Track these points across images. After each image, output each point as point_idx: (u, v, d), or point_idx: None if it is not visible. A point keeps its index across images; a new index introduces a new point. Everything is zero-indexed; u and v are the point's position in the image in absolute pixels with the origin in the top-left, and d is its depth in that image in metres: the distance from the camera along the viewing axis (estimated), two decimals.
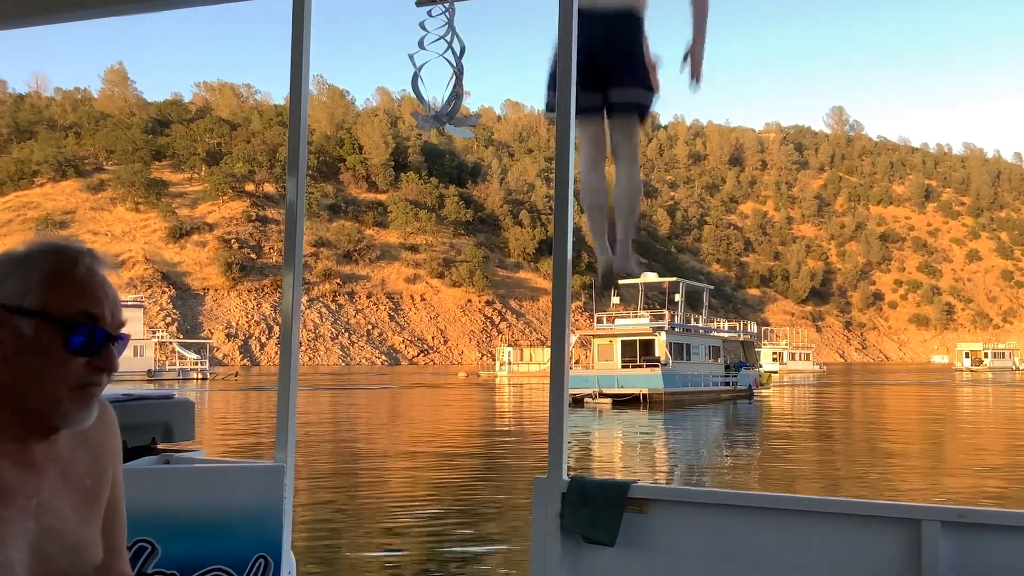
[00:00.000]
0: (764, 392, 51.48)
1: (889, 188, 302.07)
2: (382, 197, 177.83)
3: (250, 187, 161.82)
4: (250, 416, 34.22)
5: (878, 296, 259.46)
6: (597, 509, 2.96)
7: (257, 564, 2.99)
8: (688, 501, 2.98)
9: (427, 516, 11.58)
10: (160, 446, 3.71)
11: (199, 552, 2.89)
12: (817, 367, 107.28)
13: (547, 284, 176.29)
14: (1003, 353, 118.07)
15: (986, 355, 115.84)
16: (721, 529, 2.87)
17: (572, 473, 3.16)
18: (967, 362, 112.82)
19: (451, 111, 3.33)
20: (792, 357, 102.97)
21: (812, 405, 44.48)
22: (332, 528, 9.42)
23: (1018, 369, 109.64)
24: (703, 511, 2.92)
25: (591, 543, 2.99)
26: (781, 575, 2.77)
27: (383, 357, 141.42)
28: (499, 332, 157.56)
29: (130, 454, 3.28)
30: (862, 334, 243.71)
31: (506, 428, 29.27)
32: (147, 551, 2.89)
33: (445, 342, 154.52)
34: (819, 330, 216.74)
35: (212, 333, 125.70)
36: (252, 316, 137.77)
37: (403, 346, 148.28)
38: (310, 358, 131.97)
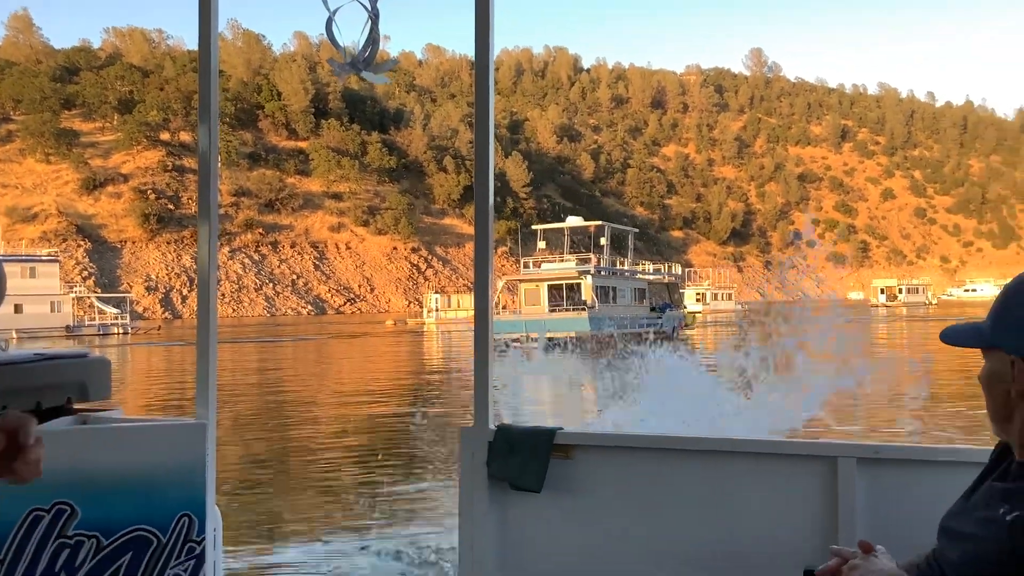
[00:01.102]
0: (689, 332, 52.38)
1: (807, 129, 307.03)
2: (303, 145, 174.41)
3: (165, 136, 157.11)
4: (173, 371, 33.63)
5: (796, 235, 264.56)
6: (524, 457, 2.97)
7: (181, 523, 2.95)
8: (612, 445, 3.01)
9: (356, 467, 11.49)
10: (76, 406, 3.61)
11: (120, 513, 2.84)
12: (739, 306, 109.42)
13: (472, 230, 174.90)
14: (916, 288, 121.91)
15: (900, 291, 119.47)
16: (645, 471, 2.91)
17: (501, 423, 3.17)
18: (882, 298, 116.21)
19: (367, 57, 3.22)
20: (715, 297, 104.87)
21: (733, 344, 45.38)
22: (258, 482, 9.26)
23: (930, 304, 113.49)
24: (627, 455, 2.97)
25: (518, 490, 3.00)
26: (704, 514, 2.82)
27: (309, 307, 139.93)
28: (426, 279, 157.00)
29: (45, 415, 3.19)
30: (781, 273, 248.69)
31: (435, 376, 29.28)
32: (66, 513, 2.83)
33: (372, 290, 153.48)
34: (740, 270, 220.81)
35: (131, 287, 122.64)
36: (172, 268, 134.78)
37: (329, 295, 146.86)
38: (234, 310, 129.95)
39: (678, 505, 2.90)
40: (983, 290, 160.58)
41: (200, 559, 3.06)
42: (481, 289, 3.21)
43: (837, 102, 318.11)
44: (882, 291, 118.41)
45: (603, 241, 46.06)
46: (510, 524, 3.08)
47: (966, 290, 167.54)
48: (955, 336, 1.87)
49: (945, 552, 1.78)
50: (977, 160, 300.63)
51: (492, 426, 3.14)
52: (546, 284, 42.87)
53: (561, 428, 3.07)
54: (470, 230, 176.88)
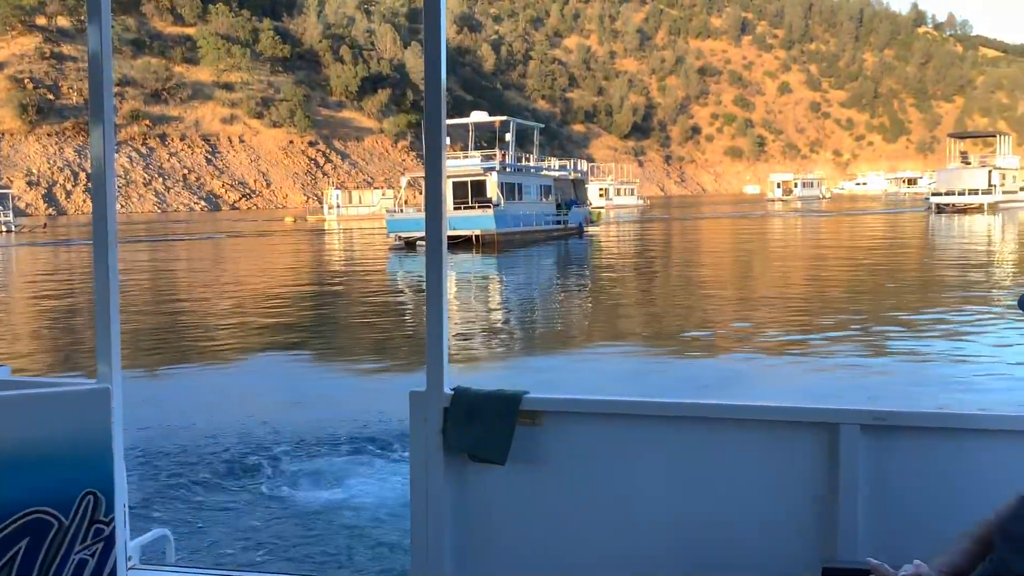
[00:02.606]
0: (594, 229, 52.66)
1: (707, 21, 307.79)
2: (190, 31, 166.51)
3: (42, 20, 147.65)
4: (60, 273, 32.10)
5: (696, 130, 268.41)
6: (485, 425, 2.70)
7: (85, 501, 2.56)
8: (585, 412, 2.73)
9: (269, 404, 10.74)
10: None
11: (14, 494, 2.54)
12: (641, 201, 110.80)
13: (372, 123, 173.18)
14: (811, 183, 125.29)
15: (796, 185, 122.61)
16: (622, 440, 2.68)
17: (457, 386, 2.82)
18: (778, 192, 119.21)
19: None
20: (617, 192, 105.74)
21: (638, 241, 45.90)
22: (164, 450, 8.38)
23: (824, 198, 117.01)
24: (602, 421, 2.71)
25: (479, 462, 2.73)
26: (686, 486, 2.62)
27: (202, 203, 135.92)
28: (324, 174, 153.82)
29: None
30: (681, 167, 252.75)
31: (345, 281, 28.60)
32: None
33: (268, 185, 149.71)
34: (641, 164, 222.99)
35: (11, 182, 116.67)
36: (54, 162, 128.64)
37: (223, 191, 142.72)
38: (122, 206, 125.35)
39: (658, 477, 2.66)
40: (873, 184, 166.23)
41: (109, 541, 2.65)
42: (434, 244, 2.80)
43: None
44: (778, 185, 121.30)
45: (508, 137, 45.42)
46: (469, 499, 2.81)
47: (857, 183, 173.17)
48: None
49: (1012, 563, 1.65)
50: (871, 54, 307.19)
51: (448, 390, 2.78)
52: (451, 181, 42.15)
53: (527, 392, 2.76)
54: (370, 123, 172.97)
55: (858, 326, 15.45)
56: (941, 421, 2.45)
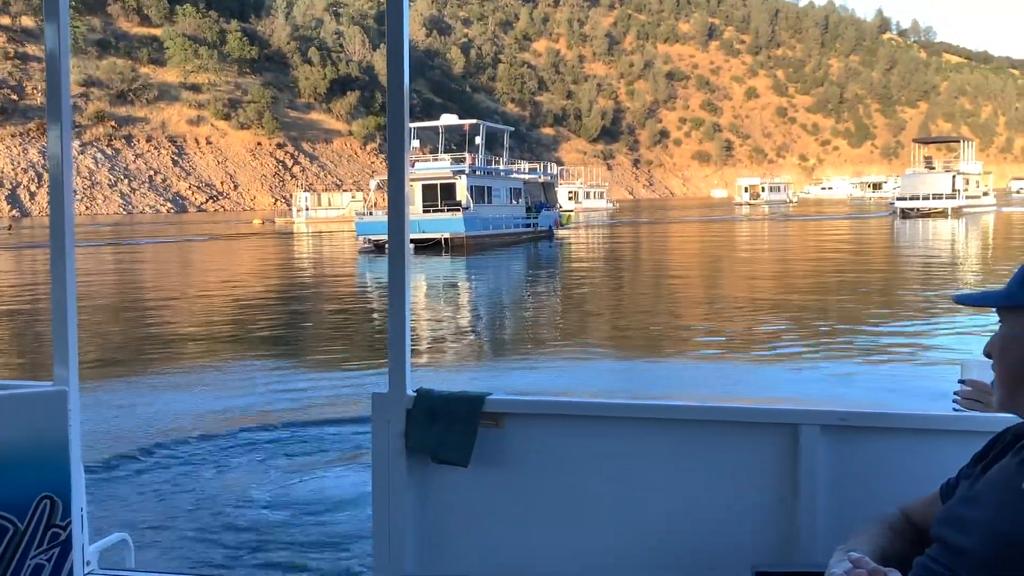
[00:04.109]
0: (564, 232, 52.73)
1: (675, 26, 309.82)
2: (156, 32, 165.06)
3: (5, 20, 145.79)
4: (25, 279, 31.63)
5: (664, 134, 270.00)
6: (448, 427, 2.71)
7: (41, 506, 2.55)
8: (548, 413, 2.74)
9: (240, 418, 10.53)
10: None
11: None
12: (610, 205, 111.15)
13: (340, 126, 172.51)
14: (779, 187, 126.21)
15: (763, 189, 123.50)
16: (585, 442, 2.67)
17: (420, 387, 2.81)
18: (746, 196, 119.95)
19: None
20: (587, 196, 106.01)
21: (608, 244, 46.03)
22: (125, 454, 8.25)
23: (791, 202, 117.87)
24: (565, 423, 2.71)
25: (442, 464, 2.73)
26: (649, 487, 2.63)
27: (169, 204, 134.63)
28: (293, 177, 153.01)
29: None
30: (649, 171, 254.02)
31: (319, 290, 28.38)
32: None
33: (235, 187, 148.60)
34: (610, 168, 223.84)
35: None
36: (18, 163, 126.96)
37: (190, 192, 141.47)
38: (87, 207, 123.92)
39: (621, 478, 2.64)
40: (838, 188, 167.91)
41: (66, 546, 2.59)
42: (396, 239, 2.77)
43: (705, 0, 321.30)
44: (746, 190, 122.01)
45: (478, 140, 45.38)
46: (432, 502, 2.78)
47: (823, 188, 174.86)
48: (973, 298, 1.78)
49: (957, 543, 1.63)
50: (837, 60, 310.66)
51: (411, 391, 2.77)
52: (420, 184, 42.05)
53: (490, 394, 2.75)
54: (338, 125, 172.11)
55: (827, 328, 15.58)
56: (902, 422, 2.45)
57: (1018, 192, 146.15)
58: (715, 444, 2.58)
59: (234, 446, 8.26)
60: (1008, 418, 1.77)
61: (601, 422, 2.69)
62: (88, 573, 3.00)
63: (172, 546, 5.88)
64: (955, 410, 2.43)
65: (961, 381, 2.51)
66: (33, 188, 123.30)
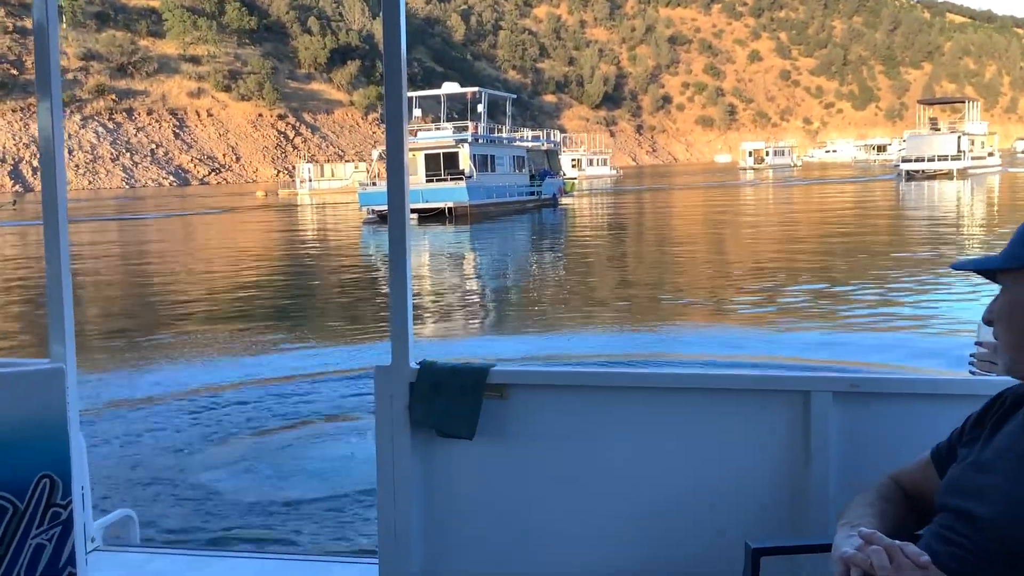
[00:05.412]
0: (568, 200, 52.53)
1: None
2: (155, 3, 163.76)
3: None
4: (31, 256, 31.57)
5: (667, 99, 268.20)
6: (452, 399, 2.69)
7: (41, 485, 2.55)
8: (553, 384, 2.73)
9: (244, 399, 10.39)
10: None
11: None
12: (614, 171, 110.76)
13: (342, 96, 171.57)
14: (783, 151, 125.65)
15: (768, 153, 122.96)
16: (591, 412, 2.65)
17: (423, 360, 2.78)
18: (750, 160, 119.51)
19: None
20: (590, 163, 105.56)
21: (613, 211, 45.87)
22: (130, 430, 8.18)
23: (796, 166, 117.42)
24: (570, 394, 2.69)
25: (447, 437, 2.71)
26: (656, 458, 2.60)
27: (171, 178, 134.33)
28: (295, 148, 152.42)
29: None
30: (652, 137, 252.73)
31: (329, 263, 28.21)
32: None
33: (238, 159, 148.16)
34: (612, 135, 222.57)
35: None
36: (20, 138, 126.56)
37: (192, 165, 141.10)
38: (90, 182, 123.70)
39: (628, 449, 2.62)
40: (843, 151, 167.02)
41: (67, 525, 2.59)
42: (396, 213, 2.70)
43: None
44: (750, 154, 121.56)
45: (480, 108, 45.09)
46: (437, 475, 2.76)
47: (827, 151, 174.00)
48: (975, 263, 1.75)
49: (974, 511, 1.59)
50: (840, 21, 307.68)
51: (414, 364, 2.73)
52: (423, 153, 41.82)
53: (494, 365, 2.71)
54: (339, 96, 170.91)
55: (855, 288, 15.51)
56: (916, 387, 2.44)
57: (1023, 152, 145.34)
58: (724, 413, 2.55)
59: (242, 422, 8.25)
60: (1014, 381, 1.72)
61: (607, 392, 2.66)
62: (92, 551, 2.98)
63: (181, 522, 5.87)
64: (971, 372, 2.45)
65: (978, 343, 2.49)
66: (35, 163, 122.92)
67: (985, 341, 2.43)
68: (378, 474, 2.76)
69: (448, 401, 2.67)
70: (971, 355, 2.55)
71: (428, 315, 14.61)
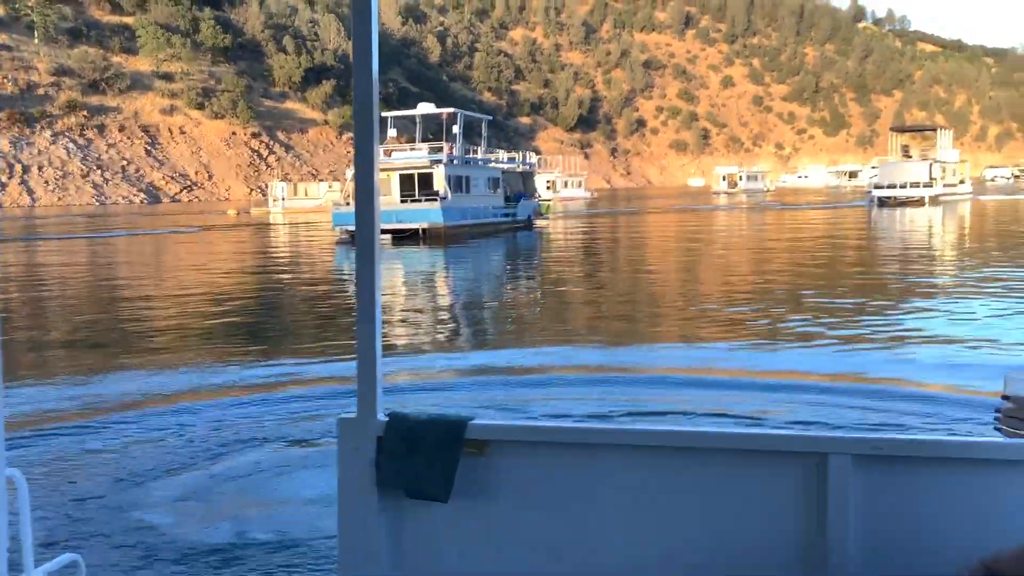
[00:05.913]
0: (542, 222, 52.24)
1: (652, 14, 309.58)
2: (128, 20, 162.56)
3: None
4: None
5: (641, 123, 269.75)
6: (425, 457, 2.44)
7: None
8: (538, 440, 2.49)
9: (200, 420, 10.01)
10: None
11: None
12: (588, 194, 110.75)
13: (316, 115, 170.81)
14: (756, 176, 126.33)
15: (741, 178, 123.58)
16: (580, 472, 2.44)
17: (392, 411, 2.54)
18: (724, 185, 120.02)
19: None
20: (565, 185, 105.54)
21: (589, 234, 45.64)
22: (75, 466, 7.73)
23: (769, 191, 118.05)
24: (557, 451, 2.46)
25: (419, 499, 2.48)
26: (655, 523, 2.39)
27: (142, 195, 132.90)
28: (268, 166, 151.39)
29: None
30: (627, 160, 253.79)
31: (303, 287, 27.82)
32: None
33: (210, 177, 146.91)
34: (587, 157, 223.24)
35: None
36: None
37: (164, 183, 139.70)
38: (60, 198, 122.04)
39: (622, 514, 2.41)
40: (815, 176, 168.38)
41: None
42: (365, 249, 2.47)
43: None
44: (724, 178, 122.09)
45: (456, 129, 44.80)
46: (407, 539, 2.50)
47: (799, 176, 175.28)
48: None
49: None
50: (812, 48, 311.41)
51: (382, 416, 2.49)
52: (397, 174, 41.42)
53: (472, 419, 2.46)
54: (313, 115, 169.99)
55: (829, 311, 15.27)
56: (944, 450, 2.19)
57: (992, 180, 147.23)
58: (728, 477, 2.33)
59: (193, 453, 7.80)
60: None
61: (599, 450, 2.41)
62: None
63: (131, 566, 5.42)
64: (996, 429, 2.31)
65: (1005, 397, 2.32)
66: (4, 179, 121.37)
67: (1014, 396, 2.32)
68: (340, 537, 2.47)
69: (421, 459, 2.41)
70: (996, 410, 2.38)
71: (398, 341, 14.20)
